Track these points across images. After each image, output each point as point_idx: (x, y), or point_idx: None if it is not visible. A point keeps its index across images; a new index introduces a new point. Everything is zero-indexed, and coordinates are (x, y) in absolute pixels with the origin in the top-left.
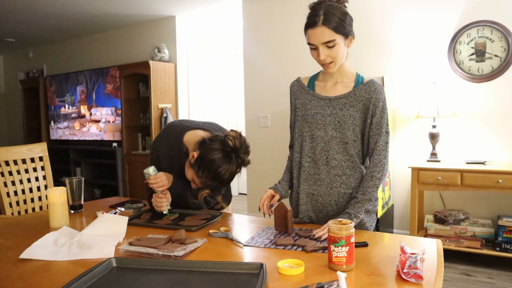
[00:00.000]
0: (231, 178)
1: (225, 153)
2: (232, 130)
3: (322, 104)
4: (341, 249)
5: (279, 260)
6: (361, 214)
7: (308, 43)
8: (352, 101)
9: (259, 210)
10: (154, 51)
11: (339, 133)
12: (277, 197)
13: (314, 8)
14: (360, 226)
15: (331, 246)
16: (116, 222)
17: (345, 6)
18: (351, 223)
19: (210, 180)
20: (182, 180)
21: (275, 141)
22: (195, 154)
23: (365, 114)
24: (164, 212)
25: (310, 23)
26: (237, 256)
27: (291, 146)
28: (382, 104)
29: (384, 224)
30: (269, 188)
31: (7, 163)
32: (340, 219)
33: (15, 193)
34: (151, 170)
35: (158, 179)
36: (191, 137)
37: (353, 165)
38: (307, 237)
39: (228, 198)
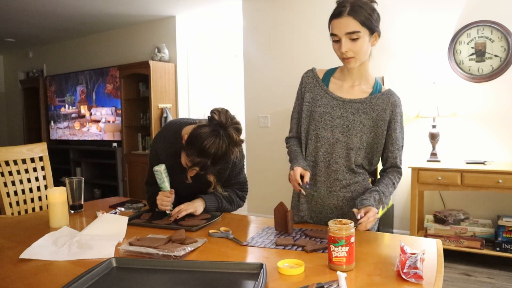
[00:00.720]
0: (219, 154)
1: (211, 127)
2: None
3: (334, 104)
4: (341, 249)
5: (279, 260)
6: (377, 208)
7: (331, 34)
8: (367, 108)
9: (296, 194)
10: (154, 51)
11: (345, 137)
12: (308, 174)
13: (341, 2)
14: None
15: (331, 246)
16: (116, 222)
17: (374, 2)
18: (351, 223)
19: (197, 156)
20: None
21: (275, 141)
22: (186, 136)
23: (376, 123)
24: (167, 212)
25: (336, 14)
26: (237, 256)
27: (290, 138)
28: (400, 118)
29: (384, 224)
30: (296, 166)
31: (7, 163)
32: (340, 219)
33: (15, 193)
34: (162, 168)
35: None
36: (189, 131)
37: (354, 172)
38: (316, 237)
39: (241, 186)
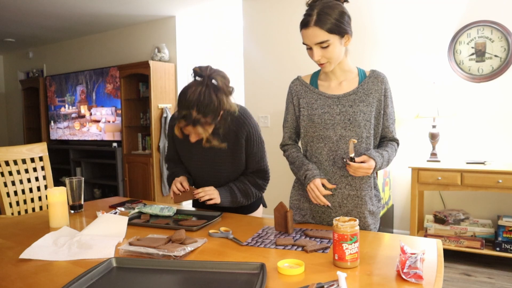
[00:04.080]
0: (202, 100)
1: (194, 81)
2: None
3: (330, 103)
4: (354, 245)
5: (279, 260)
6: (379, 166)
7: (303, 43)
8: (362, 96)
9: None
10: (154, 51)
11: (349, 132)
12: (326, 181)
13: (309, 6)
14: (364, 228)
15: (344, 244)
16: (116, 222)
17: (345, 1)
18: (355, 220)
19: (182, 109)
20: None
21: (275, 141)
22: None
23: (378, 106)
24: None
25: (303, 23)
26: (237, 256)
27: (286, 145)
28: (390, 93)
29: (384, 224)
30: (315, 178)
31: (7, 163)
32: (339, 218)
33: (15, 193)
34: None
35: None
36: None
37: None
38: (316, 237)
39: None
